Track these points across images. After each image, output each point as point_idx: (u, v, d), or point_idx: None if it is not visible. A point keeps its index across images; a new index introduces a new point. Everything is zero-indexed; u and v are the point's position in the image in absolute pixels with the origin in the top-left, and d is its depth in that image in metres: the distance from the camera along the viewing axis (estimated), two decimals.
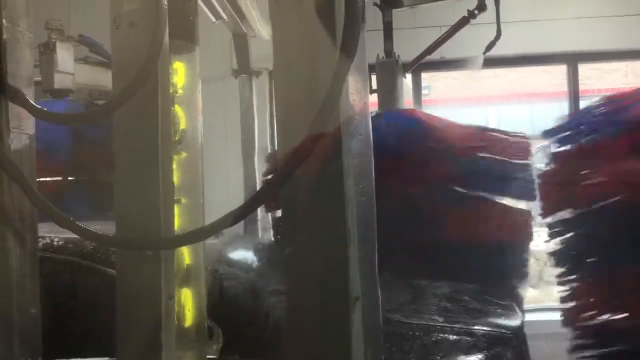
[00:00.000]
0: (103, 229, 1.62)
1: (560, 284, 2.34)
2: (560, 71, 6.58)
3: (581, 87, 6.42)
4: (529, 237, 2.91)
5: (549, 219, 2.39)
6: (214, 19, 4.08)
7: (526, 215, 2.93)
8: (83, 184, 4.03)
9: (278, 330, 2.08)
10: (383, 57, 4.60)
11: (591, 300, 2.24)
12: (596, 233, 2.24)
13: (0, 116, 1.73)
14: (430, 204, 2.83)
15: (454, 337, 2.19)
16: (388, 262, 1.74)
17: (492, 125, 4.16)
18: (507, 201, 2.98)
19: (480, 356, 2.16)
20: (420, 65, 5.84)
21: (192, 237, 1.64)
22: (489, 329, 2.26)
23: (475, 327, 2.24)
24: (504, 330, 2.27)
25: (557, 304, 2.47)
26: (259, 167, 4.71)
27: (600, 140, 2.27)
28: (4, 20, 1.72)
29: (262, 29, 4.36)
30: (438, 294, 2.52)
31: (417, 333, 2.16)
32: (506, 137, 3.13)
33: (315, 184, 1.52)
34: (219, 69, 5.40)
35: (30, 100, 1.75)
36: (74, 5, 5.38)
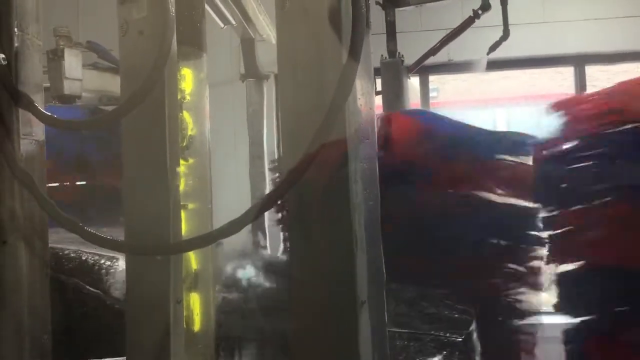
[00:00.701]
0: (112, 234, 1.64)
1: None
2: (570, 73, 6.55)
3: (590, 89, 6.39)
4: None
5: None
6: (222, 25, 4.11)
7: None
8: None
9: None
10: (387, 58, 4.58)
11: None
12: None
13: (11, 123, 1.75)
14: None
15: (402, 342, 2.17)
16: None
17: (500, 128, 4.12)
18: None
19: None
20: (427, 67, 5.85)
21: (200, 242, 1.65)
22: (438, 333, 2.23)
23: (424, 332, 2.22)
24: (454, 336, 2.24)
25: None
26: (267, 171, 4.72)
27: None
28: (15, 29, 1.74)
29: (270, 34, 4.39)
30: (399, 299, 2.48)
31: None
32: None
33: (322, 189, 1.52)
34: (227, 74, 5.43)
35: (39, 107, 1.77)
36: (82, 12, 5.42)
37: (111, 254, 2.41)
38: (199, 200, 1.84)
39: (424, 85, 6.37)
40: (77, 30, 4.68)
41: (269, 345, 2.07)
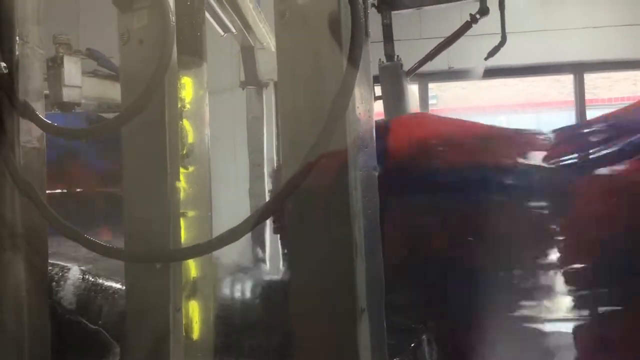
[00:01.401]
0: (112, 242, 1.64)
1: None
2: (570, 80, 6.58)
3: (590, 97, 6.41)
4: None
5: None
6: (222, 33, 4.13)
7: None
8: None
9: None
10: (384, 62, 4.53)
11: None
12: None
13: (12, 131, 1.76)
14: None
15: None
16: None
17: None
18: None
19: None
20: (426, 75, 5.85)
21: (200, 249, 1.65)
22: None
23: None
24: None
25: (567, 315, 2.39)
26: (267, 178, 4.72)
27: None
28: (17, 38, 1.75)
29: (270, 42, 4.40)
30: None
31: None
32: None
33: (321, 197, 1.53)
34: (227, 81, 5.45)
35: (40, 115, 1.78)
36: (82, 19, 5.44)
37: (63, 264, 2.29)
38: (199, 208, 1.85)
39: (424, 92, 6.40)
40: (77, 37, 4.70)
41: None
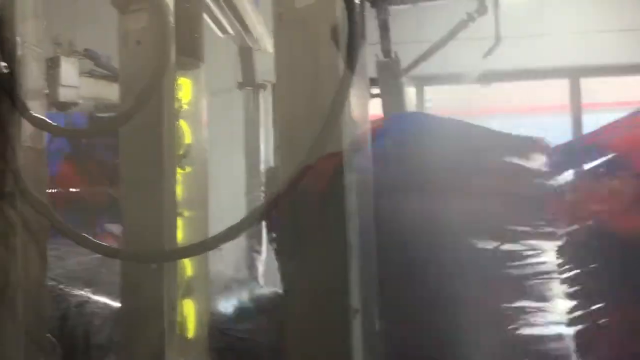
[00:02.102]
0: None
1: None
2: (566, 84, 6.61)
3: (588, 100, 6.44)
4: None
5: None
6: (220, 34, 4.14)
7: None
8: None
9: None
10: (381, 58, 4.45)
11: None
12: None
13: (13, 131, 1.77)
14: None
15: None
16: None
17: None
18: None
19: None
20: (423, 78, 5.87)
21: (195, 249, 1.67)
22: None
23: None
24: None
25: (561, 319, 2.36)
26: (263, 179, 4.73)
27: None
28: (17, 38, 1.76)
29: (267, 43, 4.42)
30: None
31: None
32: None
33: (317, 199, 1.55)
34: (224, 82, 5.45)
35: (38, 115, 1.80)
36: (81, 20, 5.45)
37: None
38: (196, 208, 1.87)
39: (420, 96, 6.42)
40: (76, 38, 4.71)
41: None
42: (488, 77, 5.76)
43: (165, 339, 1.66)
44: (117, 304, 2.05)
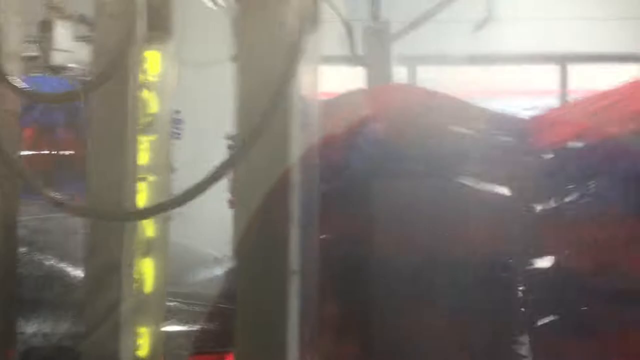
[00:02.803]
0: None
1: None
2: (555, 69, 6.67)
3: (578, 86, 6.50)
4: None
5: None
6: (212, 6, 4.22)
7: None
8: None
9: None
10: (370, 23, 4.30)
11: None
12: None
13: None
14: None
15: None
16: None
17: None
18: None
19: None
20: (414, 59, 5.90)
21: (153, 210, 1.81)
22: None
23: None
24: None
25: None
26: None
27: None
28: None
29: None
30: None
31: None
32: None
33: (262, 170, 1.68)
34: (219, 54, 5.52)
35: (13, 78, 1.91)
36: None
37: None
38: (159, 173, 1.99)
39: (412, 77, 6.49)
40: (70, 2, 4.77)
41: None
42: (477, 61, 5.82)
43: (121, 294, 1.81)
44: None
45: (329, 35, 2.10)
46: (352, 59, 1.97)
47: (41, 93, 2.07)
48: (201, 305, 2.52)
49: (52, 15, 4.24)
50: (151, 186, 1.97)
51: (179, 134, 3.93)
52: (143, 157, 1.93)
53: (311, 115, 1.74)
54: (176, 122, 3.12)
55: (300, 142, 1.68)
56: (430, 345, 1.92)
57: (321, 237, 1.81)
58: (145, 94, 1.94)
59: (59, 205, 1.82)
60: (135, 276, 1.84)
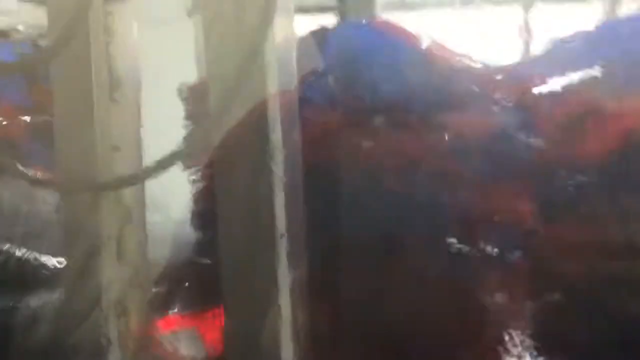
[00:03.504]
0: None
1: None
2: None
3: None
4: None
5: None
6: None
7: None
8: None
9: None
10: None
11: None
12: None
13: None
14: None
15: None
16: None
17: None
18: None
19: None
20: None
21: (128, 180, 1.73)
22: None
23: None
24: None
25: None
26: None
27: None
28: None
29: None
30: None
31: None
32: None
33: (244, 128, 1.62)
34: (176, 10, 5.31)
35: None
36: None
37: None
38: (131, 140, 1.91)
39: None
40: None
41: None
42: (445, 3, 5.75)
43: (104, 264, 1.75)
44: None
45: None
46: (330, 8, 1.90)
47: None
48: None
49: None
50: (122, 155, 1.88)
51: None
52: (112, 125, 1.84)
53: (289, 60, 1.65)
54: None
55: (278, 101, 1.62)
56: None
57: None
58: (110, 56, 1.83)
59: (27, 179, 1.72)
60: (117, 248, 1.79)
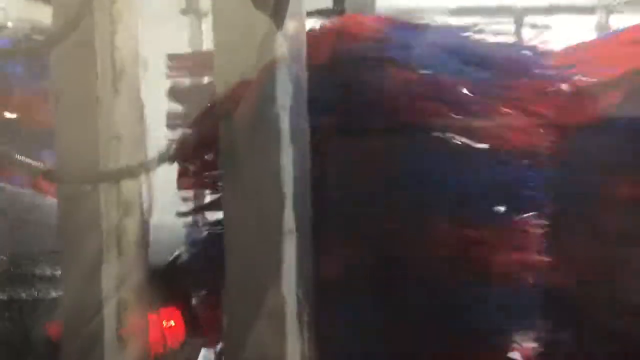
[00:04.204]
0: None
1: None
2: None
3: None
4: None
5: None
6: None
7: None
8: None
9: None
10: None
11: None
12: None
13: None
14: None
15: None
16: None
17: None
18: None
19: None
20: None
21: (130, 171, 1.70)
22: None
23: None
24: None
25: None
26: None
27: None
28: None
29: None
30: None
31: None
32: None
33: (251, 122, 1.59)
34: (171, 8, 5.31)
35: None
36: None
37: None
38: (133, 131, 1.87)
39: None
40: None
41: None
42: (434, 14, 5.75)
43: (103, 259, 1.71)
44: None
45: None
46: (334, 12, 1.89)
47: None
48: None
49: None
50: (125, 145, 1.85)
51: None
52: (115, 115, 1.80)
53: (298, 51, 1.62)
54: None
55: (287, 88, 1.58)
56: None
57: None
58: (114, 46, 1.80)
59: (28, 170, 1.68)
60: (117, 238, 1.75)
